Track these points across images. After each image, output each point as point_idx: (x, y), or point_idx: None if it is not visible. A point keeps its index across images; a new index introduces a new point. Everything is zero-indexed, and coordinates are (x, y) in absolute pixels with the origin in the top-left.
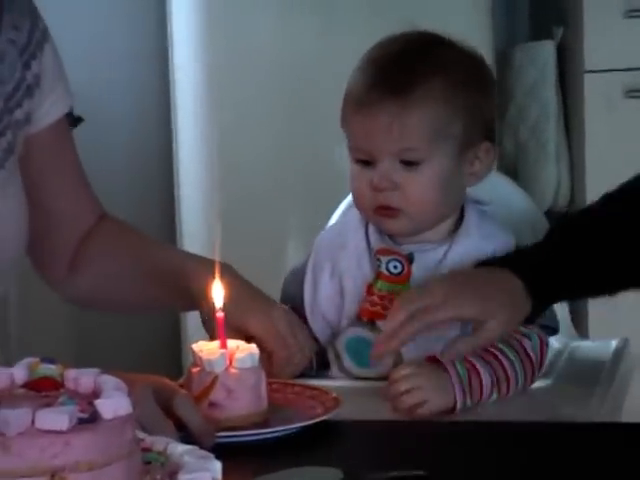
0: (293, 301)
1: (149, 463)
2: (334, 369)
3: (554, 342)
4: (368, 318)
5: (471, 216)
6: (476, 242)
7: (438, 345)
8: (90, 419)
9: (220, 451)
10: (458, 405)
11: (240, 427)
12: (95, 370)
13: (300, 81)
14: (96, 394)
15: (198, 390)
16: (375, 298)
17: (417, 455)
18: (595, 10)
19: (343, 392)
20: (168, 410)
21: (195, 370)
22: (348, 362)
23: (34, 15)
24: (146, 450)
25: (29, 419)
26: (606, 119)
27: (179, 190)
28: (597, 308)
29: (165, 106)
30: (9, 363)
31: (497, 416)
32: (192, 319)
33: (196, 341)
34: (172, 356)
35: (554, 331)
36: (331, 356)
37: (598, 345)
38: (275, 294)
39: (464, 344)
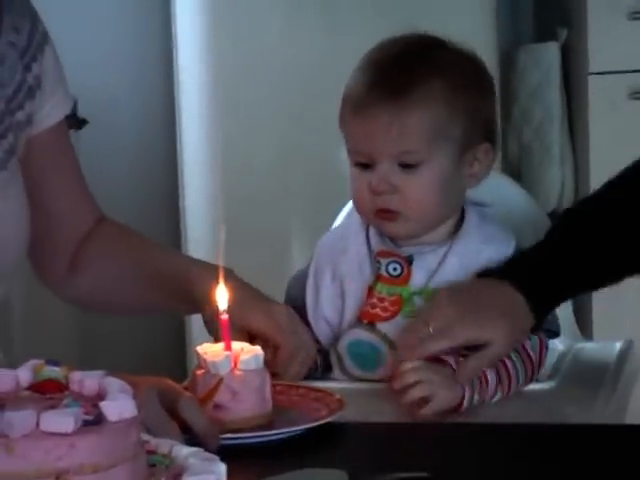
0: (296, 304)
1: (154, 465)
2: (336, 371)
3: (558, 344)
4: (368, 320)
5: (471, 218)
6: (476, 244)
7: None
8: (95, 421)
9: (224, 453)
10: (465, 402)
11: (245, 429)
12: (100, 372)
13: (305, 83)
14: (101, 396)
15: (203, 392)
16: (375, 300)
17: (421, 457)
18: (599, 12)
19: (347, 394)
20: (173, 412)
21: (200, 372)
22: (350, 364)
23: (34, 17)
24: (151, 452)
25: (34, 421)
26: (610, 121)
27: (184, 193)
28: (601, 310)
29: (170, 108)
30: (13, 365)
31: (501, 418)
32: (197, 321)
33: (201, 343)
34: (177, 358)
35: (555, 334)
36: (333, 359)
37: (602, 347)
38: (279, 297)
39: (476, 361)
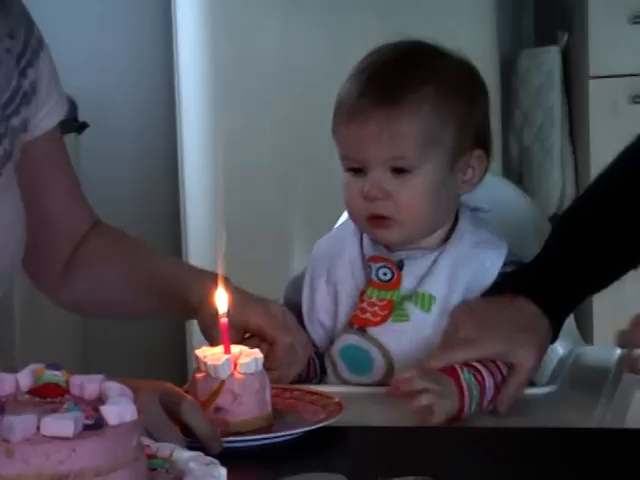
0: (294, 308)
1: (155, 469)
2: (331, 376)
3: (558, 348)
4: (359, 325)
5: (464, 223)
6: (466, 249)
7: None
8: (95, 425)
9: (224, 457)
10: (465, 411)
11: (245, 432)
12: (100, 376)
13: (305, 84)
14: (101, 400)
15: (203, 396)
16: (365, 305)
17: (421, 461)
18: (600, 16)
19: (343, 397)
20: (174, 416)
21: (200, 376)
22: (343, 369)
23: (29, 23)
24: (151, 456)
25: (34, 425)
26: (611, 124)
27: (184, 195)
28: (602, 314)
29: (170, 111)
30: (14, 369)
31: (502, 422)
32: (197, 325)
33: (200, 347)
34: (177, 361)
35: (552, 340)
36: (327, 363)
37: (603, 351)
38: (278, 300)
39: (513, 387)
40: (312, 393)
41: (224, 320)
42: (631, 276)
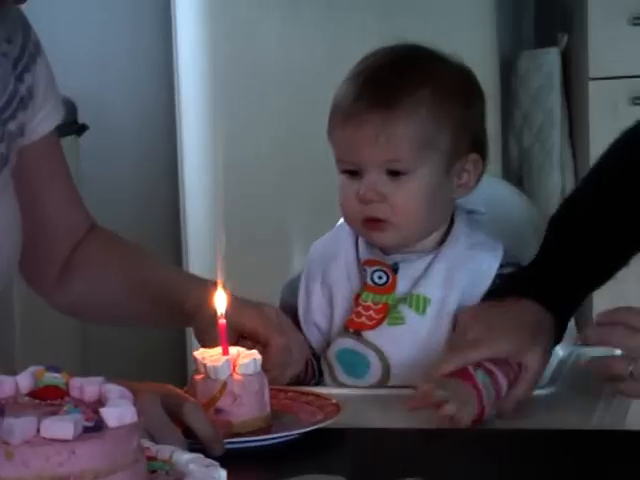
0: (290, 311)
1: (154, 471)
2: (327, 379)
3: (559, 350)
4: (354, 329)
5: (460, 226)
6: (462, 251)
7: (426, 360)
8: (95, 427)
9: (224, 458)
10: (486, 411)
11: (245, 433)
12: (100, 378)
13: (305, 85)
14: (101, 402)
15: (203, 397)
16: (361, 309)
17: (419, 463)
18: (600, 17)
19: (340, 399)
20: (176, 418)
21: (199, 377)
22: (340, 373)
23: (26, 28)
24: (151, 459)
25: (34, 427)
26: (611, 126)
27: (184, 197)
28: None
29: (170, 113)
30: (13, 370)
31: (500, 424)
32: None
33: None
34: (177, 364)
35: (557, 341)
36: (324, 367)
37: (602, 353)
38: (277, 302)
39: (521, 389)
40: (307, 394)
41: (222, 321)
42: (631, 276)
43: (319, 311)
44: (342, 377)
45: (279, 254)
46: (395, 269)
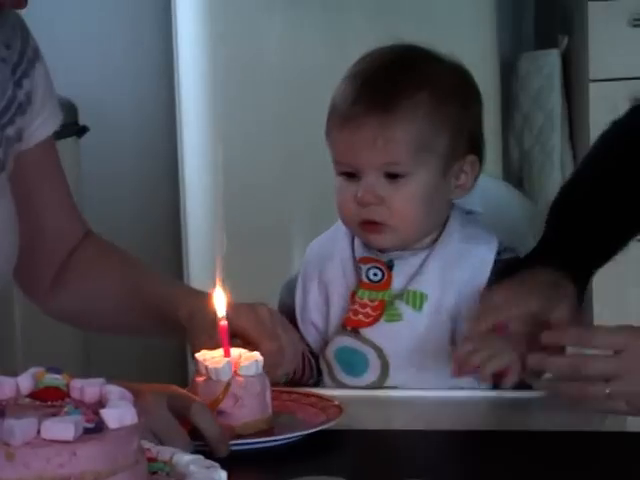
0: (288, 311)
1: (155, 473)
2: (326, 379)
3: None
4: (352, 327)
5: (454, 222)
6: (456, 244)
7: (424, 357)
8: (96, 429)
9: (224, 459)
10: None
11: (247, 435)
12: (100, 380)
13: (306, 86)
14: (102, 404)
15: (205, 399)
16: (357, 307)
17: (419, 464)
18: (600, 19)
19: (341, 400)
20: (182, 419)
21: (200, 379)
22: (339, 372)
23: (25, 34)
24: (152, 460)
25: (35, 429)
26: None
27: (185, 198)
28: (602, 316)
29: (170, 114)
30: (14, 372)
31: (500, 425)
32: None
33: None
34: (178, 365)
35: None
36: (323, 366)
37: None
38: (275, 303)
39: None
40: (310, 395)
41: (224, 323)
42: (631, 279)
43: (316, 310)
44: (341, 376)
45: (279, 254)
46: (390, 266)
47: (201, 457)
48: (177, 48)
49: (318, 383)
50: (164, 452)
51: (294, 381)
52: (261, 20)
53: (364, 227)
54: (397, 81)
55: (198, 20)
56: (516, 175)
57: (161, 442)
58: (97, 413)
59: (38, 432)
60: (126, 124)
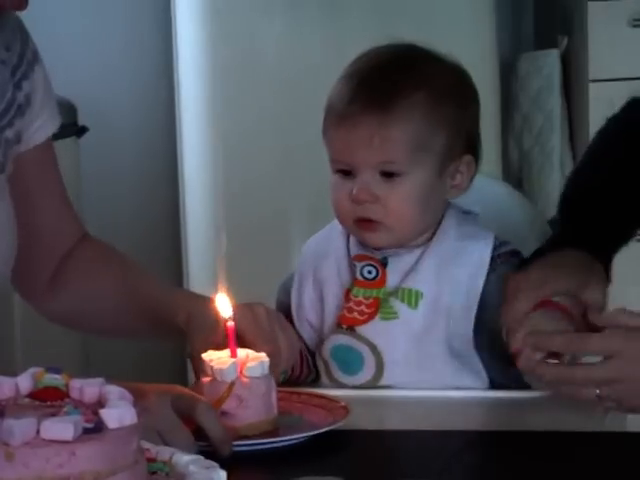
0: (285, 309)
1: (154, 473)
2: (324, 378)
3: None
4: (347, 325)
5: (449, 220)
6: (452, 242)
7: (420, 356)
8: (95, 429)
9: (224, 460)
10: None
11: (251, 435)
12: (100, 380)
13: (306, 86)
14: (101, 404)
15: (210, 399)
16: (352, 304)
17: (419, 464)
18: (600, 19)
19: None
20: (186, 419)
21: (206, 380)
22: (336, 370)
23: (25, 36)
24: (151, 460)
25: (34, 429)
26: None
27: (184, 199)
28: None
29: (170, 115)
30: (13, 372)
31: (502, 426)
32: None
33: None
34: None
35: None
36: (320, 365)
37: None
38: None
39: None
40: (319, 397)
41: (231, 324)
42: (631, 279)
43: (311, 308)
44: (337, 375)
45: (279, 253)
46: (384, 263)
47: (201, 457)
48: (177, 48)
49: (316, 381)
50: (163, 452)
51: (292, 379)
52: (260, 20)
53: (359, 225)
54: (394, 80)
55: (198, 20)
56: (515, 176)
57: (165, 442)
58: (96, 413)
59: (37, 432)
60: (125, 124)
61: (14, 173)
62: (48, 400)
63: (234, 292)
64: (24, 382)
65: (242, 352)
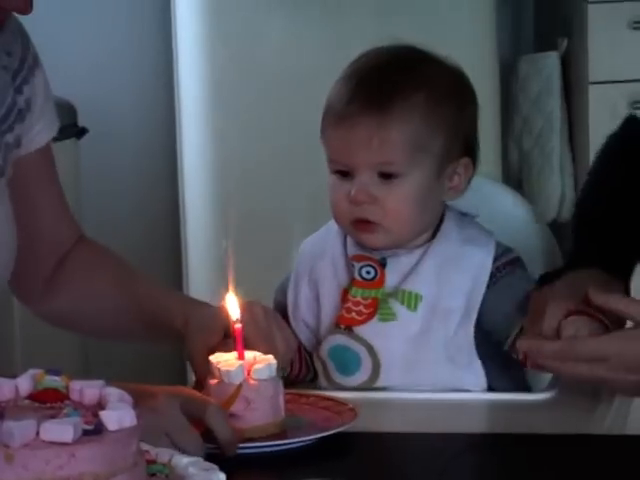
0: (282, 309)
1: (154, 475)
2: (321, 379)
3: None
4: (345, 325)
5: (450, 222)
6: (453, 247)
7: (416, 358)
8: (95, 431)
9: (223, 461)
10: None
11: (257, 438)
12: (100, 382)
13: (306, 88)
14: (101, 406)
15: (217, 402)
16: (350, 305)
17: (424, 467)
18: (600, 21)
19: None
20: (195, 421)
21: (213, 382)
22: (333, 371)
23: (25, 40)
24: (151, 462)
25: (34, 430)
26: (611, 130)
27: (184, 200)
28: None
29: (170, 116)
30: (13, 373)
31: (502, 428)
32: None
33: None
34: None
35: None
36: (318, 366)
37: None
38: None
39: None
40: (327, 399)
41: (238, 326)
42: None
43: (307, 308)
44: (335, 376)
45: (278, 253)
46: (383, 264)
47: (200, 459)
48: (177, 48)
49: (314, 380)
50: (163, 454)
51: (291, 378)
52: (260, 20)
53: (357, 226)
54: (394, 81)
55: (198, 20)
56: (515, 177)
57: (174, 444)
58: (96, 415)
59: (37, 434)
60: (125, 125)
61: (13, 176)
62: (48, 402)
63: (233, 291)
64: (24, 384)
65: (250, 354)
